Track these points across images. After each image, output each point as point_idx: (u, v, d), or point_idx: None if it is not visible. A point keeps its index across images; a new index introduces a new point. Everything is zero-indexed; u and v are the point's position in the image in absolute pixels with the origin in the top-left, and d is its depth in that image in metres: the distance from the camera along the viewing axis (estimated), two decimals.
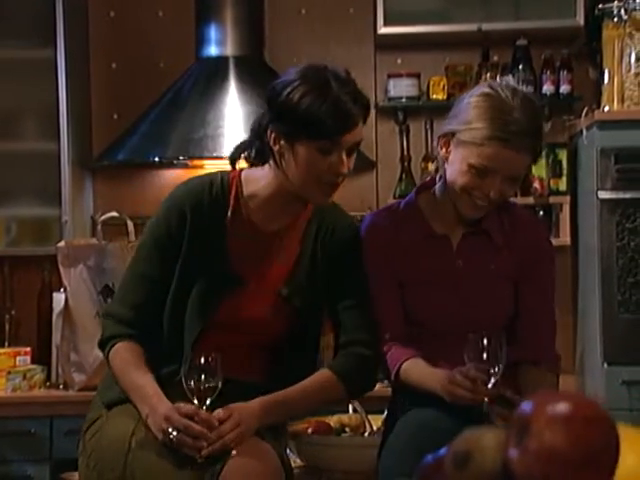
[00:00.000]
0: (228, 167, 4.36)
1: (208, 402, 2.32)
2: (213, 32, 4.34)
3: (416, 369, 2.50)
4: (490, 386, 2.33)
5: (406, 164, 4.40)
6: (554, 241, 4.26)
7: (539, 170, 4.28)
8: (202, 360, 2.32)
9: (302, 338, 2.57)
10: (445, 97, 4.33)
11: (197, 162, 4.40)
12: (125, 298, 2.55)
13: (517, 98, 2.47)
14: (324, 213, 2.58)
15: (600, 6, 4.02)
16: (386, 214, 2.68)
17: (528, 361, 2.56)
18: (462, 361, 2.44)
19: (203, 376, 2.31)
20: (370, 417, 2.82)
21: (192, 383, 2.32)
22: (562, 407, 0.99)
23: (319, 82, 2.36)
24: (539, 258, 2.63)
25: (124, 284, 2.58)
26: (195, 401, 2.32)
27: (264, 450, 2.35)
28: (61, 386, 4.07)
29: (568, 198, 4.30)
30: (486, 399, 2.33)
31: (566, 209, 4.31)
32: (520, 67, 4.28)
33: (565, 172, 4.32)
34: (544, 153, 4.26)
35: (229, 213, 2.53)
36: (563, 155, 4.33)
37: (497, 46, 4.37)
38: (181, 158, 4.25)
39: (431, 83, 4.38)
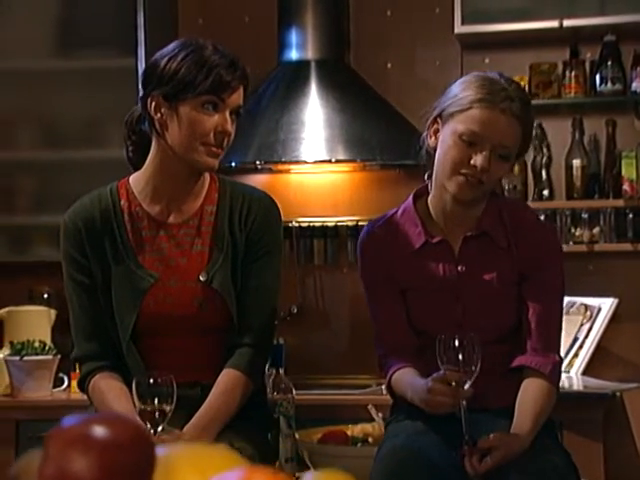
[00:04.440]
0: (310, 172, 4.40)
1: (160, 428, 2.26)
2: (294, 36, 4.30)
3: (401, 381, 2.46)
4: (467, 387, 2.29)
5: None
6: None
7: (629, 171, 4.08)
8: (151, 381, 2.25)
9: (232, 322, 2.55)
10: None
11: (282, 167, 4.38)
12: (78, 336, 2.58)
13: (504, 77, 2.48)
14: (232, 192, 2.59)
15: None
16: (383, 224, 2.61)
17: (529, 367, 2.46)
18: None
19: (156, 399, 2.24)
20: None
21: (142, 405, 2.26)
22: (84, 430, 0.93)
23: (197, 49, 2.44)
24: (545, 259, 2.52)
25: (72, 323, 2.60)
26: (148, 425, 2.26)
27: None
28: None
29: None
30: (463, 402, 2.27)
31: None
32: (608, 64, 4.09)
33: None
34: (634, 154, 4.08)
35: (125, 216, 2.54)
36: None
37: (585, 43, 4.19)
38: (258, 163, 4.22)
39: None
